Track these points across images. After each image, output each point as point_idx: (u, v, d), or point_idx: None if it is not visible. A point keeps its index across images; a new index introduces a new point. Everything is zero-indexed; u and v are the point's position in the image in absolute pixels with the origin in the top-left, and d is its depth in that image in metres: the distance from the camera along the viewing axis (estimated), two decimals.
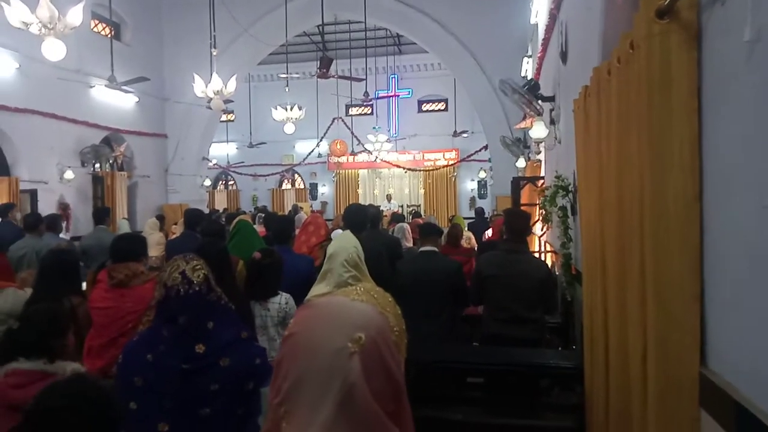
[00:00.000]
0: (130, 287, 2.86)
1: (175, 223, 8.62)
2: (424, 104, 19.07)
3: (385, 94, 18.07)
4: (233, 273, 3.10)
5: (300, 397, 0.82)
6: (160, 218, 9.00)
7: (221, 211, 12.16)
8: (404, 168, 17.20)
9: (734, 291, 1.40)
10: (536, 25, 7.91)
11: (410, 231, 6.80)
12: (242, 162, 18.31)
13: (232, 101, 11.52)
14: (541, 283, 3.46)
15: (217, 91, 8.27)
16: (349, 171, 19.55)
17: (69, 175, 9.51)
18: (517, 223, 3.66)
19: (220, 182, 20.63)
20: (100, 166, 10.45)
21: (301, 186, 20.04)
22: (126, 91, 10.16)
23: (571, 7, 4.30)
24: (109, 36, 10.66)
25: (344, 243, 3.09)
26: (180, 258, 1.73)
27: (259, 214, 8.06)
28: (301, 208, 13.39)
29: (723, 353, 1.47)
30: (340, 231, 4.86)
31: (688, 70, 1.58)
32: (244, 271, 3.34)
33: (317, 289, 3.03)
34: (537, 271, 3.54)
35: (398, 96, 18.63)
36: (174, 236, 6.55)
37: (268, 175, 18.01)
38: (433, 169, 17.83)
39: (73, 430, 1.23)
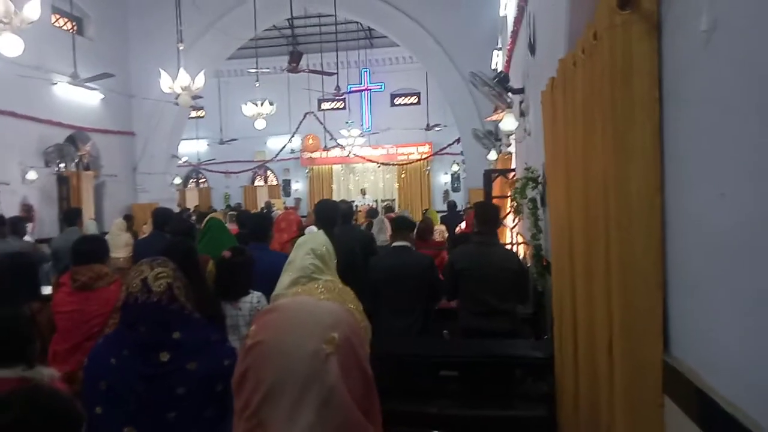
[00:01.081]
0: (95, 289, 2.79)
1: (145, 223, 8.44)
2: (397, 98, 19.04)
3: (358, 88, 17.97)
4: (202, 273, 3.04)
5: (275, 406, 0.79)
6: (129, 218, 8.79)
7: (192, 209, 11.95)
8: (378, 162, 17.17)
9: (695, 279, 1.42)
10: (505, 17, 7.96)
11: (389, 224, 6.80)
12: (213, 159, 18.02)
13: (201, 97, 11.30)
14: (514, 274, 3.50)
15: (185, 87, 8.10)
16: (323, 166, 19.42)
17: (32, 175, 9.22)
18: (487, 215, 3.69)
19: (191, 180, 20.28)
20: (65, 166, 10.15)
21: (274, 182, 19.83)
22: (90, 88, 9.88)
23: (538, 0, 4.32)
24: (71, 31, 10.34)
25: (315, 237, 3.05)
26: (147, 263, 1.68)
27: (230, 213, 7.93)
28: (274, 204, 13.25)
29: (685, 341, 1.50)
30: (313, 228, 4.81)
31: (649, 60, 1.59)
32: (214, 270, 3.28)
33: (282, 280, 2.99)
34: (509, 262, 3.57)
35: (370, 90, 18.56)
36: (143, 236, 6.40)
37: (239, 172, 17.75)
38: (406, 163, 17.84)
39: None
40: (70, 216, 6.14)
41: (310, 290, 0.94)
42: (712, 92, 1.28)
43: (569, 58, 2.32)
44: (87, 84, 9.39)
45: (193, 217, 7.82)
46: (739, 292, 1.20)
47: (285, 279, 2.57)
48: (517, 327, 3.68)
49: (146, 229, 7.37)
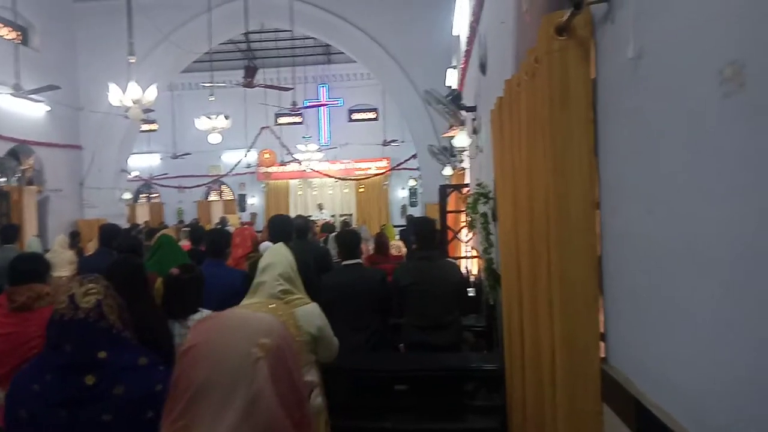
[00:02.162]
0: (35, 310, 2.66)
1: (91, 240, 8.14)
2: (355, 113, 19.16)
3: (315, 103, 17.98)
4: (148, 291, 2.96)
5: (201, 408, 0.79)
6: (75, 235, 8.47)
7: (142, 225, 11.60)
8: (335, 177, 17.17)
9: (628, 292, 1.50)
10: (459, 37, 8.17)
11: None
12: (166, 173, 17.58)
13: (153, 110, 11.05)
14: (455, 286, 3.57)
15: (136, 100, 7.92)
16: (279, 181, 19.25)
17: None
18: (424, 230, 3.75)
19: (142, 195, 19.70)
20: (6, 180, 9.70)
21: (230, 197, 19.51)
22: (35, 100, 9.50)
23: (489, 21, 4.48)
24: (16, 41, 9.96)
25: (279, 256, 3.02)
26: (77, 280, 1.60)
27: (183, 229, 7.75)
28: (229, 220, 13.03)
29: (621, 350, 1.57)
30: (269, 243, 4.76)
31: (584, 84, 1.68)
32: (162, 287, 3.20)
33: (248, 301, 2.95)
34: (450, 275, 3.64)
35: (328, 105, 18.61)
36: (89, 254, 6.17)
37: (193, 187, 17.39)
38: (364, 178, 17.90)
39: None
40: (6, 233, 5.84)
41: (245, 306, 0.95)
42: (640, 116, 1.37)
43: (515, 80, 2.42)
44: (31, 96, 9.04)
45: (143, 234, 7.59)
46: (667, 304, 1.27)
47: (253, 299, 2.53)
48: (460, 339, 3.74)
49: (91, 246, 7.12)
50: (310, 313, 2.72)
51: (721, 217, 1.02)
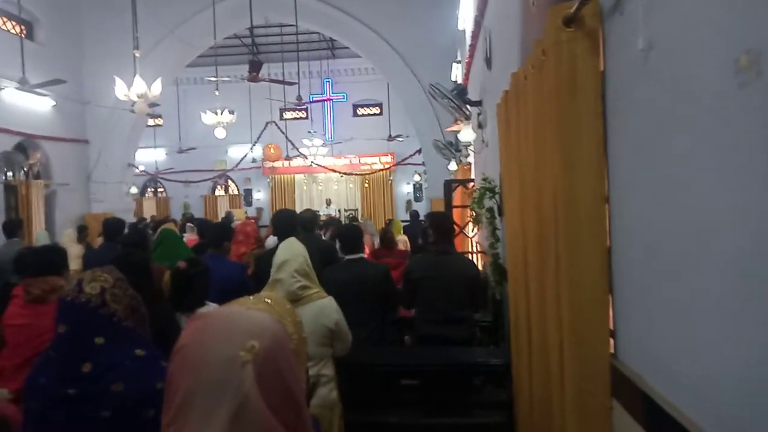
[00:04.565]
0: (49, 303, 2.67)
1: (100, 234, 8.17)
2: (359, 108, 19.12)
3: (320, 98, 17.96)
4: (154, 284, 2.97)
5: (189, 413, 0.77)
6: (83, 229, 8.50)
7: (149, 219, 11.64)
8: (340, 172, 17.17)
9: (637, 286, 1.48)
10: (464, 31, 8.12)
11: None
12: (172, 168, 17.62)
13: (159, 105, 11.05)
14: (470, 281, 3.55)
15: (141, 95, 7.91)
16: (285, 176, 19.26)
17: None
18: (441, 224, 3.74)
19: (149, 189, 19.77)
20: (13, 175, 9.74)
21: (235, 192, 19.54)
22: (41, 94, 9.53)
23: (494, 15, 4.44)
24: (21, 35, 9.97)
25: (293, 251, 3.02)
26: (92, 270, 1.62)
27: (188, 224, 7.76)
28: (235, 214, 13.05)
29: (631, 345, 1.55)
30: (274, 238, 4.76)
31: (593, 75, 1.66)
32: (170, 281, 3.21)
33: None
34: (466, 270, 3.62)
35: (333, 100, 18.58)
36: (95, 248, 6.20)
37: (199, 182, 17.41)
38: (369, 173, 17.89)
39: None
40: (10, 227, 5.86)
41: (242, 301, 0.93)
42: (649, 108, 1.35)
43: (521, 73, 2.39)
44: (37, 90, 9.05)
45: (150, 228, 7.60)
46: (678, 298, 1.26)
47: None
48: (473, 334, 3.73)
49: (100, 241, 7.14)
50: (328, 307, 2.72)
51: (734, 211, 1.00)
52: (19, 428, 1.56)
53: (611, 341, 1.65)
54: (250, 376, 0.76)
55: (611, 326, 1.66)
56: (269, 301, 0.92)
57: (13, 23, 10.23)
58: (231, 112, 11.77)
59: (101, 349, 1.49)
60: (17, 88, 8.92)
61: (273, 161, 18.08)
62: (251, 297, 0.94)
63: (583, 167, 1.65)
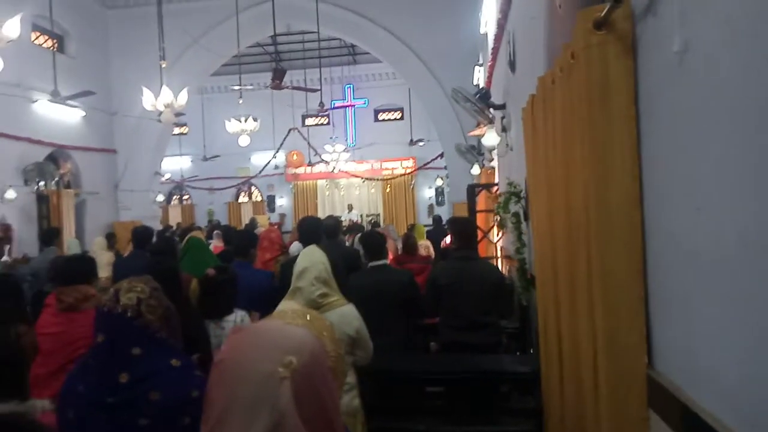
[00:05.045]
0: (81, 311, 2.73)
1: (127, 242, 8.33)
2: (381, 113, 19.17)
3: (341, 104, 18.07)
4: (184, 292, 3.01)
5: (227, 428, 0.78)
6: (111, 236, 8.68)
7: (175, 226, 11.82)
8: (362, 177, 17.22)
9: (675, 292, 1.44)
10: (486, 34, 8.08)
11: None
12: (197, 176, 17.92)
13: (184, 114, 11.27)
14: (494, 287, 3.51)
15: (168, 104, 8.06)
16: (307, 182, 19.40)
17: (11, 194, 9.05)
18: (464, 230, 3.71)
19: (174, 197, 20.11)
20: (45, 185, 10.00)
21: (259, 198, 19.74)
22: (71, 106, 9.79)
23: (518, 18, 4.41)
24: (52, 48, 10.26)
25: (313, 258, 3.03)
26: (128, 279, 1.64)
27: (216, 231, 7.86)
28: (258, 221, 13.18)
29: (668, 354, 1.51)
30: (299, 245, 4.79)
31: (625, 78, 1.63)
32: (198, 289, 3.25)
33: (286, 306, 2.97)
34: (490, 276, 3.59)
35: (354, 106, 18.67)
36: (124, 256, 6.31)
37: (223, 189, 17.68)
38: (391, 178, 17.91)
39: None
40: (47, 236, 6.03)
41: (282, 314, 0.93)
42: (686, 110, 1.32)
43: (548, 77, 2.37)
44: (68, 102, 9.31)
45: (177, 235, 7.72)
46: (717, 305, 1.22)
47: (292, 306, 2.53)
48: (499, 340, 3.69)
49: (128, 248, 7.28)
50: (348, 314, 2.71)
51: None
52: None
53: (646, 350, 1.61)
54: (288, 392, 0.76)
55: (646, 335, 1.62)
56: (309, 317, 0.91)
57: (46, 37, 10.53)
58: (254, 120, 11.91)
59: (138, 359, 1.51)
60: (50, 100, 9.17)
61: (296, 167, 18.23)
62: (290, 312, 0.94)
63: (615, 171, 1.62)
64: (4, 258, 7.39)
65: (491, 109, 5.47)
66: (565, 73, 2.03)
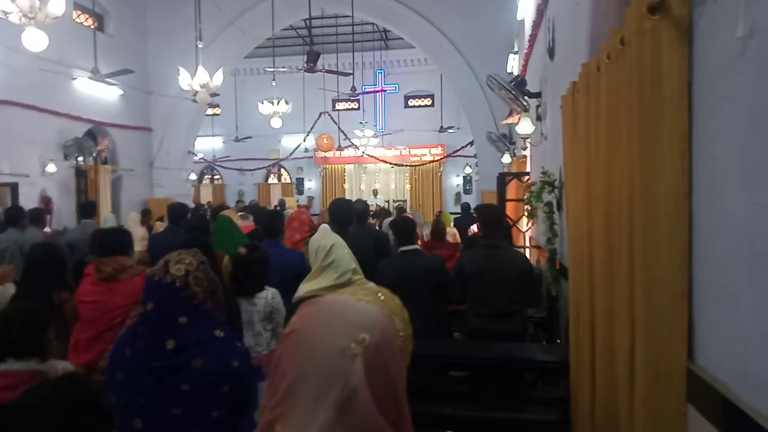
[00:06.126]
0: (119, 281, 2.82)
1: (159, 219, 8.50)
2: (411, 99, 19.06)
3: (372, 89, 18.00)
4: (218, 267, 3.07)
5: (297, 398, 0.78)
6: (146, 212, 8.89)
7: (206, 205, 12.03)
8: (390, 163, 17.19)
9: (723, 287, 1.41)
10: (523, 21, 7.93)
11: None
12: (228, 156, 18.16)
13: (218, 95, 11.38)
14: (522, 275, 3.48)
15: (203, 84, 8.16)
16: (336, 166, 19.48)
17: (51, 168, 9.33)
18: (491, 217, 3.67)
19: (206, 177, 20.44)
20: (83, 160, 10.27)
21: (288, 180, 19.94)
22: (110, 84, 9.99)
23: (559, 3, 4.30)
24: (93, 27, 10.46)
25: (334, 237, 3.05)
26: (177, 252, 1.70)
27: (240, 213, 7.96)
28: (287, 203, 13.30)
29: (710, 349, 1.48)
30: (326, 226, 4.82)
31: (679, 66, 1.58)
32: (230, 266, 3.31)
33: (316, 284, 2.99)
34: (518, 264, 3.56)
35: (385, 91, 18.59)
36: (158, 231, 6.46)
37: (254, 170, 17.87)
38: (419, 165, 17.83)
39: (58, 430, 1.21)
40: (86, 209, 6.21)
41: (353, 291, 0.93)
42: (748, 99, 1.27)
43: (593, 63, 2.31)
44: (107, 79, 9.50)
45: (208, 213, 7.85)
46: (765, 301, 1.19)
47: (323, 282, 2.55)
48: (525, 329, 3.66)
49: (159, 225, 7.43)
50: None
51: None
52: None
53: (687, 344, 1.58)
54: (360, 368, 0.77)
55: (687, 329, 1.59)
56: (381, 296, 0.91)
57: (86, 16, 10.74)
58: (287, 102, 11.98)
59: (184, 328, 1.57)
60: (89, 78, 9.38)
61: (326, 151, 18.29)
62: (363, 287, 0.94)
63: (664, 162, 1.58)
64: (45, 229, 7.64)
65: (526, 97, 5.38)
66: (612, 60, 1.98)
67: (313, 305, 0.86)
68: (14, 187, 8.66)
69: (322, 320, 0.83)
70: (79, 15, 10.60)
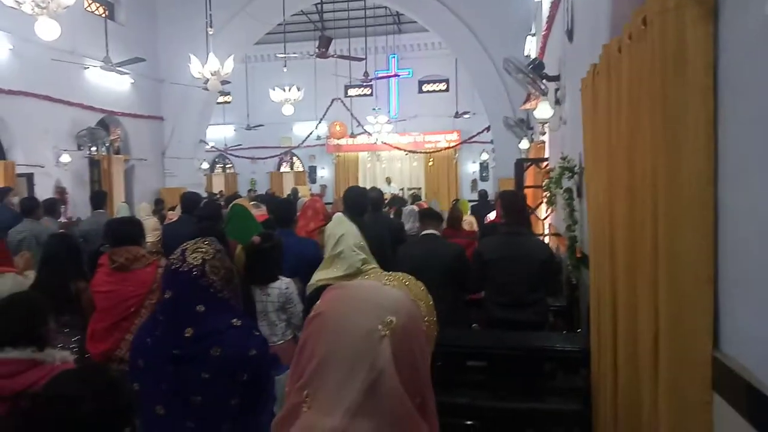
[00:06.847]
0: (131, 271, 2.84)
1: (172, 208, 8.55)
2: (425, 85, 18.86)
3: (385, 75, 17.79)
4: (231, 257, 3.06)
5: (324, 380, 0.78)
6: (159, 202, 8.95)
7: (218, 194, 12.09)
8: (405, 150, 17.07)
9: (748, 274, 1.37)
10: (540, 1, 7.78)
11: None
12: (240, 144, 18.16)
13: (230, 82, 11.36)
14: (542, 263, 3.42)
15: (214, 72, 8.15)
16: (349, 153, 19.38)
17: (65, 158, 9.43)
18: (513, 204, 3.61)
19: (218, 165, 20.50)
20: (96, 150, 10.35)
21: (300, 169, 19.90)
22: (121, 73, 10.03)
23: None
24: (103, 15, 10.48)
25: (347, 227, 3.03)
26: (193, 241, 1.72)
27: (252, 202, 7.98)
28: (300, 191, 13.32)
29: (736, 336, 1.45)
30: (341, 215, 4.81)
31: (703, 46, 1.52)
32: (243, 255, 3.30)
33: (327, 273, 2.99)
34: (539, 252, 3.50)
35: (398, 76, 18.35)
36: (170, 221, 6.49)
37: (266, 158, 17.86)
38: (434, 151, 17.67)
39: (83, 418, 1.23)
40: (97, 199, 6.26)
41: (378, 276, 0.92)
42: None
43: (614, 44, 2.24)
44: (118, 68, 9.54)
45: (222, 202, 7.88)
46: None
47: (334, 272, 2.53)
48: (545, 319, 3.62)
49: (172, 215, 7.47)
50: None
51: None
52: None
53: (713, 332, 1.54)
54: (388, 350, 0.76)
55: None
56: (406, 281, 0.92)
57: (97, 5, 10.76)
58: (298, 89, 11.92)
59: (202, 316, 1.59)
60: (101, 67, 9.42)
61: (338, 138, 18.21)
62: (386, 274, 0.94)
63: (688, 146, 1.53)
64: (60, 219, 7.73)
65: (545, 81, 5.28)
66: (634, 41, 1.91)
67: (338, 289, 0.86)
68: (30, 178, 8.78)
69: (349, 303, 0.83)
70: (90, 3, 10.61)
